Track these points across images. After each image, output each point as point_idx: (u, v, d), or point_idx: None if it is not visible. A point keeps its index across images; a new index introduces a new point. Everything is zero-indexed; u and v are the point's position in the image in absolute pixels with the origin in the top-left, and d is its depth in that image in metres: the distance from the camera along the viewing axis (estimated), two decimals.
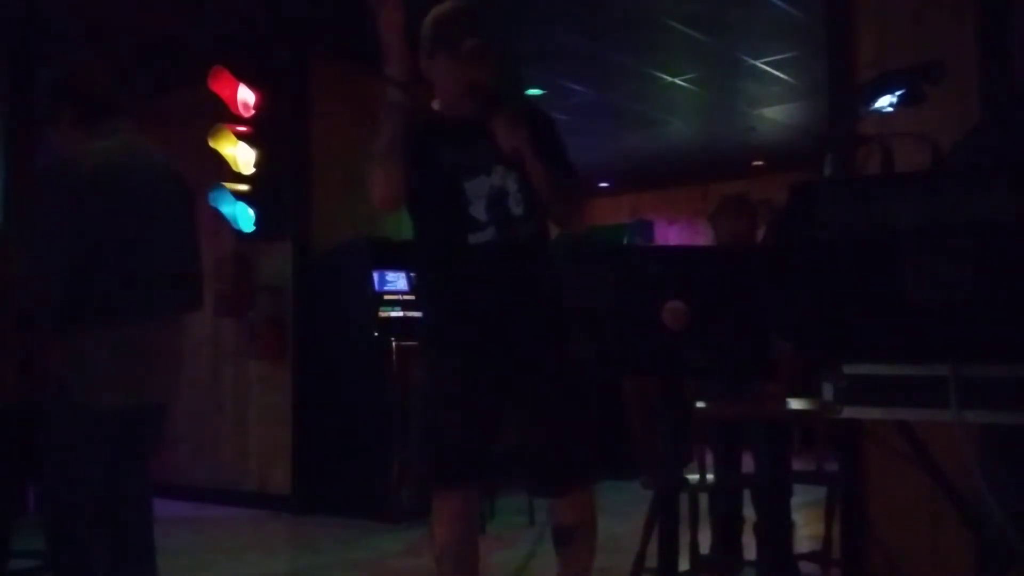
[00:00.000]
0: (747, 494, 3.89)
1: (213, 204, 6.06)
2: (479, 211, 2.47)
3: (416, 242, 2.63)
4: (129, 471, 2.88)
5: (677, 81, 7.35)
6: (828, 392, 1.78)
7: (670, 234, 11.58)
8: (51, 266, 2.68)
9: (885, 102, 2.26)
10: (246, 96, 6.05)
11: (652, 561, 3.15)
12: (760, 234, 4.28)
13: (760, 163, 10.45)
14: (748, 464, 3.96)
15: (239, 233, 6.17)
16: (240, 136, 5.99)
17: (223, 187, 5.99)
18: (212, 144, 5.94)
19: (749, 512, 3.87)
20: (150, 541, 2.93)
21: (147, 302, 2.81)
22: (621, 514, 2.73)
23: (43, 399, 2.78)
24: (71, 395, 2.70)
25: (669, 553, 3.17)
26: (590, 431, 2.58)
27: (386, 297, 5.89)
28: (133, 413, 2.81)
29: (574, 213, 2.63)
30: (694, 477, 3.60)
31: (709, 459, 3.88)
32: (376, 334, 5.74)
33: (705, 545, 3.79)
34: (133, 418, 2.82)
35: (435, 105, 2.63)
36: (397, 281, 5.93)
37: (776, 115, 8.49)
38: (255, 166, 6.05)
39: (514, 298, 2.49)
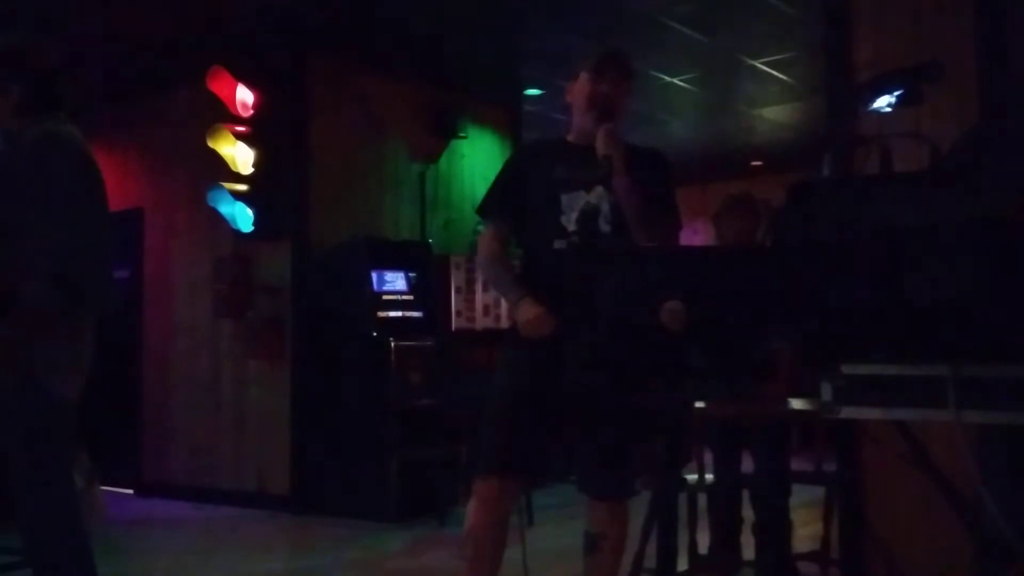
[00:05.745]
0: (746, 494, 3.89)
1: (212, 204, 6.06)
2: (569, 221, 2.67)
3: (521, 246, 2.86)
4: None
5: (676, 81, 7.34)
6: (827, 392, 1.78)
7: None
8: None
9: (883, 102, 2.27)
10: (245, 96, 6.05)
11: (651, 561, 3.16)
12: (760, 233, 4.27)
13: (759, 163, 10.44)
14: (747, 464, 3.96)
15: (238, 233, 6.16)
16: (239, 136, 5.98)
17: (222, 187, 5.99)
18: (211, 144, 5.94)
19: (748, 512, 3.86)
20: None
21: (105, 293, 2.78)
22: None
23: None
24: (43, 385, 2.58)
25: (668, 553, 3.18)
26: (642, 448, 2.76)
27: (384, 297, 5.89)
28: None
29: (651, 240, 2.70)
30: (693, 477, 3.60)
31: (708, 459, 3.87)
32: (375, 334, 5.74)
33: (704, 545, 3.78)
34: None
35: (569, 137, 2.85)
36: (396, 281, 5.93)
37: (775, 115, 8.49)
38: (254, 166, 6.04)
39: (588, 305, 2.59)
